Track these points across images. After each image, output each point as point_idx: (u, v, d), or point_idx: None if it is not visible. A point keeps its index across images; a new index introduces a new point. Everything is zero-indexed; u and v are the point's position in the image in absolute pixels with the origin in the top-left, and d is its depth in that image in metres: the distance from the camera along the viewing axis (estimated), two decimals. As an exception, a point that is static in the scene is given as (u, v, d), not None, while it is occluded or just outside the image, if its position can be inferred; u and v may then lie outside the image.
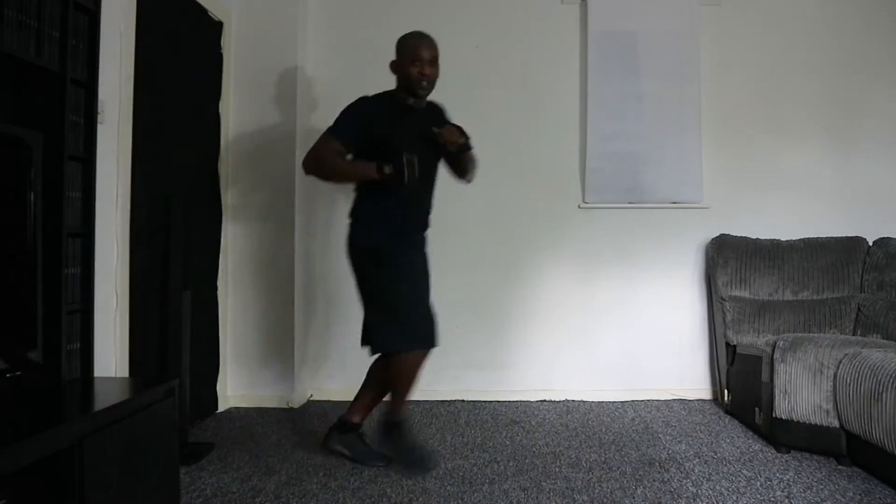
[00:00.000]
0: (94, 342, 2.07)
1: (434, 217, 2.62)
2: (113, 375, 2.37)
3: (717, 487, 2.25)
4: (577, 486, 2.26)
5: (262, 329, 3.44)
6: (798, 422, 2.57)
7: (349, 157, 2.47)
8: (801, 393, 2.56)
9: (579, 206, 3.63)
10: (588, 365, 3.59)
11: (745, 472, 2.40)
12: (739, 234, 3.45)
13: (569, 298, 3.61)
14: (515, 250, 3.42)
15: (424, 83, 2.46)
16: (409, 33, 2.56)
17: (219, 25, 3.34)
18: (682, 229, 3.61)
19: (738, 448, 2.69)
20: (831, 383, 2.50)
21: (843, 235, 3.38)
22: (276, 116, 3.46)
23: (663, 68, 3.58)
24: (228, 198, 3.42)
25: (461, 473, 2.40)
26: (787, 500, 2.14)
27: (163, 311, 2.72)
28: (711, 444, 2.75)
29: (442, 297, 2.62)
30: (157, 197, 2.70)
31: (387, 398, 2.53)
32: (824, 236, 3.40)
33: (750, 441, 2.78)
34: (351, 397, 3.54)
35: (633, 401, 3.48)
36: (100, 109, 2.15)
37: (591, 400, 3.52)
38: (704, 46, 3.60)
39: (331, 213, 3.65)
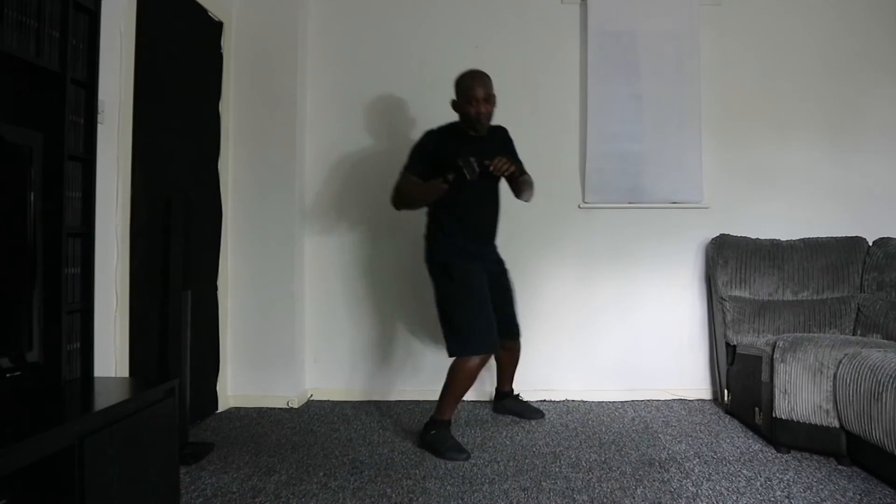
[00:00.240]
0: (94, 342, 2.07)
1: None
2: (113, 375, 2.37)
3: (717, 487, 2.25)
4: (577, 486, 2.26)
5: (262, 329, 3.44)
6: (798, 422, 2.57)
7: None
8: (801, 393, 2.56)
9: (579, 206, 3.63)
10: (588, 365, 3.59)
11: (745, 472, 2.40)
12: (739, 234, 3.45)
13: (569, 298, 3.61)
14: (515, 250, 3.41)
15: (482, 119, 2.78)
16: (465, 74, 2.85)
17: (219, 25, 3.34)
18: (682, 229, 3.61)
19: (738, 448, 2.69)
20: (831, 383, 2.50)
21: (843, 235, 3.38)
22: (276, 116, 3.46)
23: (663, 68, 3.58)
24: (228, 198, 3.42)
25: (461, 473, 2.40)
26: (787, 500, 2.14)
27: (163, 311, 2.72)
28: (711, 444, 2.75)
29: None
30: (157, 197, 2.70)
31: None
32: (824, 236, 3.40)
33: (750, 441, 2.78)
34: (350, 397, 3.57)
35: (633, 401, 3.48)
36: (100, 109, 2.16)
37: (591, 400, 3.52)
38: (704, 46, 3.59)
39: (331, 213, 3.66)
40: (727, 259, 3.36)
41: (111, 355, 2.38)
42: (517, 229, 3.47)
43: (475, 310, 2.73)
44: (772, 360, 2.67)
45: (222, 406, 3.33)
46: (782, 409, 2.61)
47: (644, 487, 2.25)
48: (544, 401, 3.47)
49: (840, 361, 2.49)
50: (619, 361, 3.59)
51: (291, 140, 3.45)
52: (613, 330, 3.61)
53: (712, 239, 3.46)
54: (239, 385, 3.43)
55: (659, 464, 2.49)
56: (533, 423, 3.10)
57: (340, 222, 3.66)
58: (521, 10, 3.66)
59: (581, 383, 3.57)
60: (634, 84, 3.59)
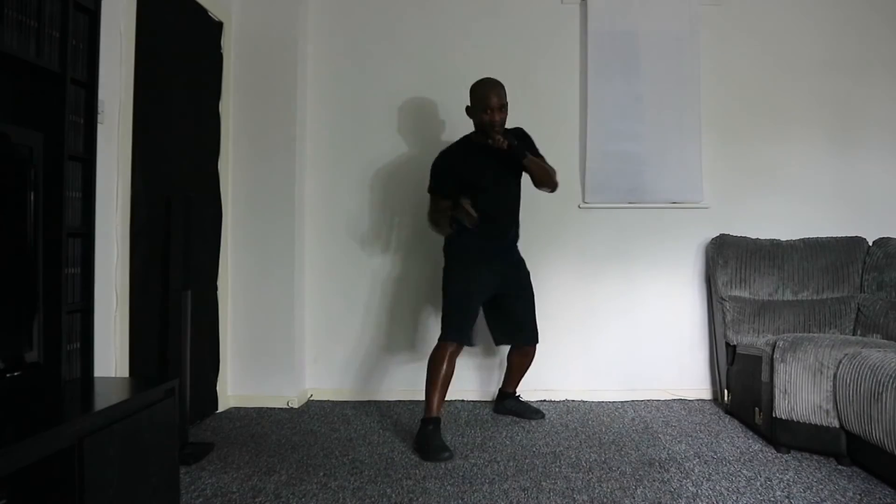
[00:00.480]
0: (94, 342, 2.07)
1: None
2: (113, 375, 2.37)
3: (717, 487, 2.25)
4: (577, 486, 2.26)
5: (262, 329, 3.44)
6: (798, 422, 2.57)
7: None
8: (801, 393, 2.56)
9: (579, 206, 3.63)
10: (588, 365, 3.59)
11: (745, 472, 2.40)
12: (739, 234, 3.45)
13: (569, 298, 3.61)
14: (515, 250, 3.43)
15: (496, 127, 2.84)
16: (481, 82, 2.91)
17: (219, 25, 3.34)
18: (682, 229, 3.61)
19: (738, 448, 2.69)
20: (831, 383, 2.50)
21: (843, 235, 3.38)
22: (276, 116, 3.46)
23: (663, 68, 3.58)
24: (228, 198, 3.42)
25: (461, 473, 2.40)
26: (787, 500, 2.14)
27: (163, 311, 2.72)
28: (711, 444, 2.75)
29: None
30: (157, 197, 2.70)
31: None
32: (824, 236, 3.40)
33: (750, 441, 2.78)
34: (350, 397, 3.57)
35: (633, 401, 3.48)
36: (100, 109, 2.15)
37: (591, 400, 3.52)
38: (704, 46, 3.60)
39: (331, 212, 3.66)
40: (727, 259, 3.36)
41: (111, 355, 2.38)
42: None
43: (457, 301, 2.83)
44: (772, 360, 2.67)
45: (222, 406, 3.33)
46: (782, 409, 2.61)
47: (644, 487, 2.25)
48: (544, 401, 3.47)
49: (840, 361, 2.49)
50: (620, 361, 3.59)
51: (291, 140, 3.45)
52: (613, 330, 3.61)
53: (712, 239, 3.46)
54: (239, 385, 3.43)
55: (659, 464, 2.49)
56: (533, 423, 3.10)
57: (341, 222, 3.66)
58: (521, 10, 3.66)
59: (581, 383, 3.57)
60: (634, 84, 3.59)
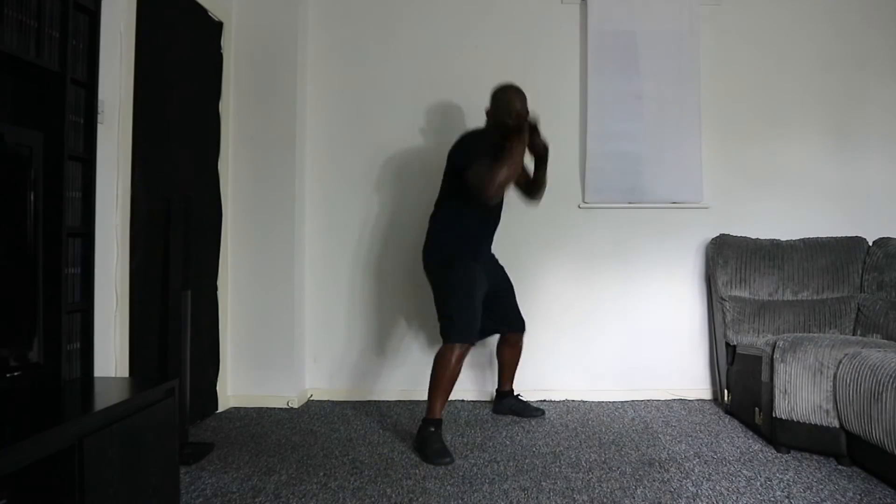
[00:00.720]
0: (94, 342, 2.07)
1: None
2: (113, 375, 2.37)
3: (717, 487, 2.25)
4: (577, 486, 2.26)
5: (262, 329, 3.44)
6: (798, 422, 2.57)
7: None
8: (801, 393, 2.56)
9: (579, 206, 3.63)
10: (588, 365, 3.59)
11: (745, 472, 2.40)
12: (739, 234, 3.45)
13: (569, 298, 3.61)
14: (515, 250, 3.43)
15: (524, 118, 2.82)
16: (507, 88, 2.90)
17: (219, 25, 3.34)
18: (682, 229, 3.61)
19: (738, 448, 2.69)
20: (831, 383, 2.50)
21: (843, 235, 3.38)
22: (276, 116, 3.46)
23: (663, 68, 3.58)
24: (228, 198, 3.42)
25: (461, 473, 2.40)
26: (787, 500, 2.14)
27: (163, 311, 2.72)
28: (711, 444, 2.75)
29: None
30: (157, 197, 2.70)
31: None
32: (824, 236, 3.40)
33: (750, 441, 2.78)
34: (350, 397, 3.57)
35: (633, 401, 3.48)
36: (100, 109, 2.15)
37: (591, 400, 3.52)
38: (704, 46, 3.60)
39: (331, 212, 3.66)
40: (727, 259, 3.36)
41: (111, 355, 2.38)
42: (517, 229, 3.48)
43: (464, 301, 2.78)
44: (772, 360, 2.67)
45: (222, 406, 3.33)
46: (782, 409, 2.61)
47: (644, 487, 2.25)
48: (544, 401, 3.47)
49: (840, 361, 2.49)
50: (619, 361, 3.59)
51: (291, 140, 3.45)
52: (613, 330, 3.61)
53: (712, 239, 3.46)
54: (239, 385, 3.43)
55: (659, 464, 2.49)
56: (533, 423, 3.10)
57: (341, 222, 3.66)
58: (521, 10, 3.66)
59: (581, 383, 3.57)
60: (634, 84, 3.59)
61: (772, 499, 2.15)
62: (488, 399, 3.50)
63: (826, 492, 2.20)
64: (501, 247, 3.12)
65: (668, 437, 2.84)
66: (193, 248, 2.80)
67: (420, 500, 2.15)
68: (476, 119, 3.11)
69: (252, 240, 3.45)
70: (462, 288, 2.81)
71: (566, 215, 3.62)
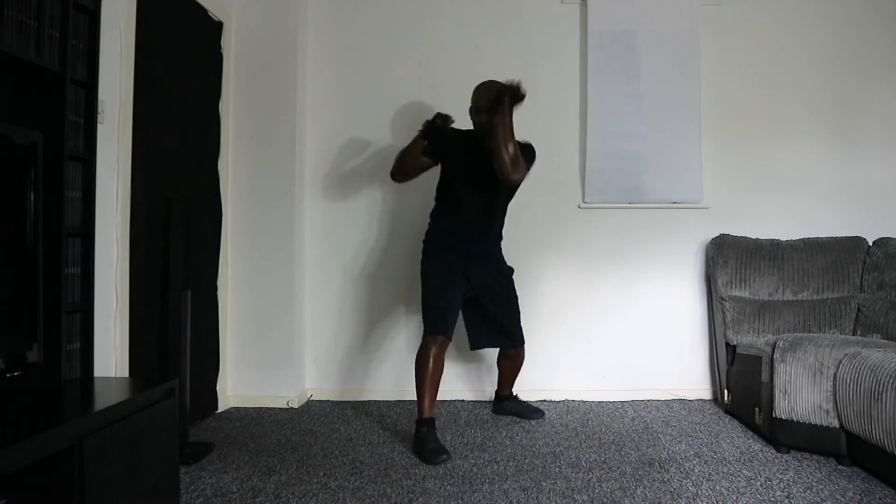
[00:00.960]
0: (94, 342, 2.07)
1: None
2: (113, 375, 2.37)
3: (717, 487, 2.25)
4: (577, 486, 2.26)
5: (262, 329, 3.44)
6: (798, 422, 2.57)
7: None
8: (801, 393, 2.56)
9: (579, 206, 3.63)
10: (588, 365, 3.59)
11: (745, 472, 2.40)
12: (739, 234, 3.45)
13: (569, 298, 3.61)
14: (515, 250, 3.42)
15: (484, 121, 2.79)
16: (482, 84, 2.87)
17: (219, 25, 3.34)
18: (682, 229, 3.61)
19: (738, 448, 2.69)
20: (831, 383, 2.50)
21: (843, 235, 3.38)
22: (276, 116, 3.46)
23: (663, 68, 3.58)
24: (228, 198, 3.42)
25: (461, 473, 2.40)
26: (787, 500, 2.14)
27: (163, 311, 2.72)
28: (711, 444, 2.75)
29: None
30: (157, 197, 2.70)
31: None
32: (824, 236, 3.40)
33: (750, 441, 2.78)
34: (350, 397, 3.57)
35: (633, 401, 3.48)
36: (100, 109, 2.15)
37: (591, 400, 3.52)
38: (704, 46, 3.60)
39: (331, 212, 3.66)
40: (727, 259, 3.36)
41: (111, 355, 2.38)
42: (517, 229, 3.47)
43: (431, 294, 2.81)
44: (772, 360, 2.67)
45: (222, 406, 3.33)
46: (782, 409, 2.61)
47: (644, 487, 2.25)
48: (544, 401, 3.47)
49: (840, 361, 2.49)
50: (620, 361, 3.59)
51: (291, 140, 3.45)
52: (613, 330, 3.61)
53: (712, 239, 3.47)
54: (239, 385, 3.43)
55: (659, 464, 2.49)
56: (533, 423, 3.10)
57: (340, 222, 3.66)
58: (521, 10, 3.66)
59: (581, 383, 3.57)
60: (634, 84, 3.59)
61: (772, 499, 2.15)
62: (488, 399, 3.50)
63: (826, 492, 2.20)
64: (501, 247, 3.12)
65: (668, 437, 2.84)
66: (193, 248, 2.80)
67: (420, 500, 2.15)
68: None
69: (252, 240, 3.45)
70: (430, 281, 2.84)
71: (566, 215, 3.63)
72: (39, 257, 1.77)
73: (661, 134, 3.58)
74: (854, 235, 3.36)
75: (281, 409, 3.36)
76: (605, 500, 2.15)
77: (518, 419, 3.16)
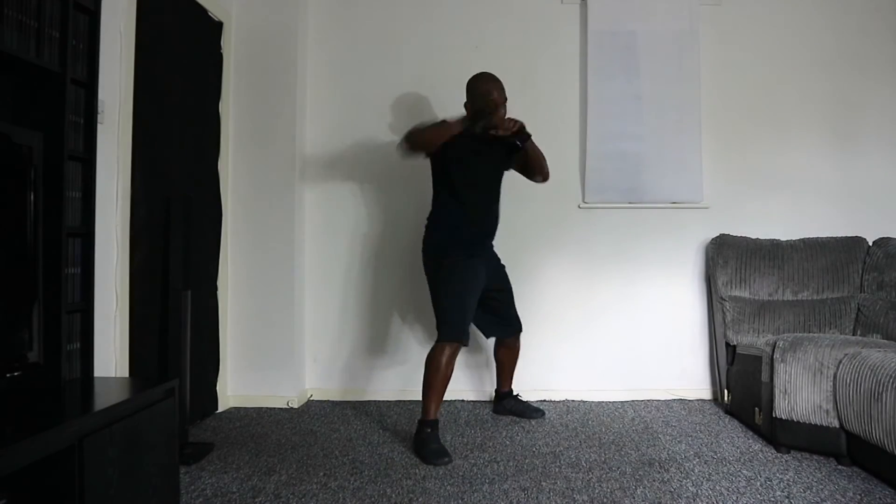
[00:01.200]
0: (94, 342, 2.07)
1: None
2: (113, 375, 2.37)
3: (717, 487, 2.25)
4: (577, 486, 2.26)
5: (262, 329, 3.44)
6: (798, 422, 2.57)
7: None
8: (801, 393, 2.56)
9: (579, 206, 3.63)
10: (588, 365, 3.59)
11: (745, 472, 2.40)
12: (739, 234, 3.45)
13: (569, 298, 3.61)
14: (515, 250, 3.42)
15: (502, 115, 2.85)
16: (479, 77, 2.93)
17: (219, 25, 3.34)
18: (682, 229, 3.61)
19: (738, 448, 2.69)
20: (831, 383, 2.50)
21: (843, 235, 3.38)
22: (276, 116, 3.46)
23: (663, 68, 3.58)
24: (228, 197, 3.42)
25: (461, 473, 2.40)
26: (787, 500, 2.14)
27: (163, 311, 2.72)
28: (711, 444, 2.75)
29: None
30: (157, 197, 2.70)
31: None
32: (824, 236, 3.40)
33: (750, 441, 2.78)
34: (350, 397, 3.57)
35: (633, 401, 3.48)
36: (100, 109, 2.16)
37: (591, 400, 3.52)
38: (704, 46, 3.60)
39: (331, 212, 3.65)
40: (727, 259, 3.36)
41: (111, 355, 2.38)
42: (517, 229, 3.48)
43: (453, 300, 2.76)
44: (772, 360, 2.67)
45: (222, 406, 3.33)
46: (782, 409, 2.61)
47: (644, 487, 2.25)
48: (544, 401, 3.47)
49: (840, 361, 2.49)
50: (619, 361, 3.59)
51: (291, 140, 3.45)
52: (613, 330, 3.61)
53: (712, 239, 3.46)
54: (239, 385, 3.43)
55: (659, 464, 2.49)
56: (533, 423, 3.10)
57: (341, 222, 3.66)
58: (521, 10, 3.66)
59: (581, 383, 3.57)
60: (634, 84, 3.59)
61: (772, 499, 2.15)
62: (488, 399, 3.50)
63: (826, 492, 2.20)
64: (501, 246, 3.12)
65: (668, 437, 2.84)
66: (193, 248, 2.80)
67: (420, 500, 2.15)
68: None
69: (252, 240, 3.45)
70: (451, 286, 2.78)
71: (566, 215, 3.63)
72: (39, 257, 1.78)
73: (660, 134, 3.58)
74: (854, 235, 3.36)
75: (281, 409, 3.36)
76: (605, 500, 2.15)
77: (518, 419, 3.16)
